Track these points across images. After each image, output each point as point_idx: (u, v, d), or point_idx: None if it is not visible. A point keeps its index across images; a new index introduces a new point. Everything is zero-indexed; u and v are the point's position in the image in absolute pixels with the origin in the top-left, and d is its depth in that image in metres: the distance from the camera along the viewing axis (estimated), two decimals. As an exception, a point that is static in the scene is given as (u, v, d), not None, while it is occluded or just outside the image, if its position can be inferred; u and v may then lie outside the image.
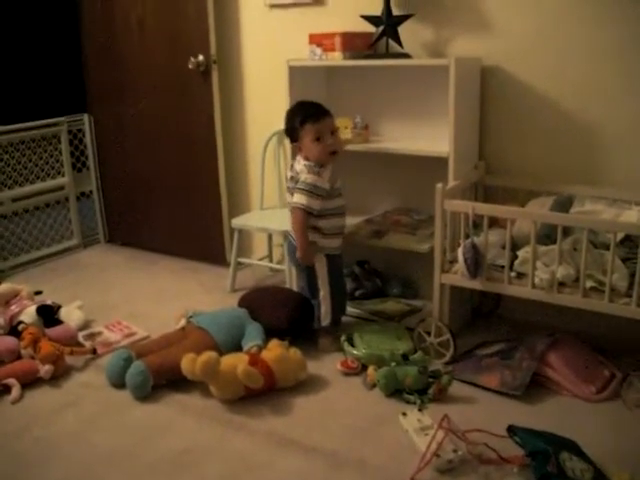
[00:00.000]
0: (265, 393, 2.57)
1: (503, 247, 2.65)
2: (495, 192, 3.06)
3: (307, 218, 2.83)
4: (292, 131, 2.90)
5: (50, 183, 4.32)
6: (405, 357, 2.65)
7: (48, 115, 4.27)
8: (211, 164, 3.87)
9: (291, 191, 2.89)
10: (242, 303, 3.12)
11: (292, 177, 2.90)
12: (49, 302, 3.21)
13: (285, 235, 3.21)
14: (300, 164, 2.87)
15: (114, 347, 2.98)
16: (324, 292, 2.94)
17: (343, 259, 3.06)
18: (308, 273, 2.97)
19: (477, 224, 2.69)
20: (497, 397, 2.52)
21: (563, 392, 2.53)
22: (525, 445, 2.11)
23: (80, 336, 3.08)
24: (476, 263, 2.60)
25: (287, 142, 3.26)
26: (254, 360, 2.58)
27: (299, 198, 2.80)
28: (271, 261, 3.88)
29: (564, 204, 2.73)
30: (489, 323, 3.13)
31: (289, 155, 3.27)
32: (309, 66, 3.23)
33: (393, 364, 2.59)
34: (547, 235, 2.61)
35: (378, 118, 3.30)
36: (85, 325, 3.22)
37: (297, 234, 2.86)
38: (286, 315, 2.97)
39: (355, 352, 2.78)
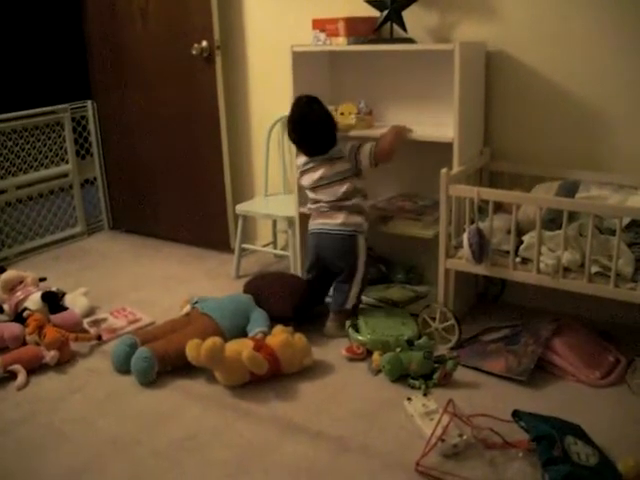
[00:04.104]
0: (270, 379, 2.58)
1: (508, 232, 2.65)
2: (500, 177, 3.05)
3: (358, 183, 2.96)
4: (333, 119, 2.97)
5: (54, 170, 4.32)
6: (410, 342, 2.65)
7: (51, 102, 4.26)
8: (215, 150, 3.86)
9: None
10: (247, 289, 3.12)
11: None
12: (54, 289, 3.22)
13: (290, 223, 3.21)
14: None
15: (119, 333, 2.99)
16: (361, 274, 2.93)
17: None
18: (348, 264, 2.93)
19: (482, 209, 2.69)
20: (502, 382, 2.52)
21: (568, 377, 2.53)
22: (530, 430, 2.11)
23: (85, 322, 3.08)
24: (481, 248, 2.60)
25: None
26: (259, 346, 2.58)
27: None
28: (275, 247, 3.88)
29: (570, 189, 2.72)
30: (494, 308, 3.13)
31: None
32: (313, 51, 3.20)
33: (398, 349, 2.59)
34: (552, 220, 2.60)
35: (382, 103, 3.28)
36: (90, 311, 3.23)
37: (392, 144, 2.93)
38: (291, 303, 2.97)
39: (360, 338, 2.79)
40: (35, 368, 2.72)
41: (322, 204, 2.95)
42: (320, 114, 2.92)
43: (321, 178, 2.91)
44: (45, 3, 5.48)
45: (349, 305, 2.95)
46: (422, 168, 3.18)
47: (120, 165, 4.41)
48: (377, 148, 2.90)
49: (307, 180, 2.97)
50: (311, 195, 3.00)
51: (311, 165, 2.94)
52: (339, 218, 2.90)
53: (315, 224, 2.99)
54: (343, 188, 2.89)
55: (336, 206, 2.91)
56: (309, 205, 3.04)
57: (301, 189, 3.13)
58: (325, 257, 2.98)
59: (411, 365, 2.54)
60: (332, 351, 2.81)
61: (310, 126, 2.91)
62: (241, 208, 3.62)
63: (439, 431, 2.12)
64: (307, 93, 2.99)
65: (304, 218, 3.20)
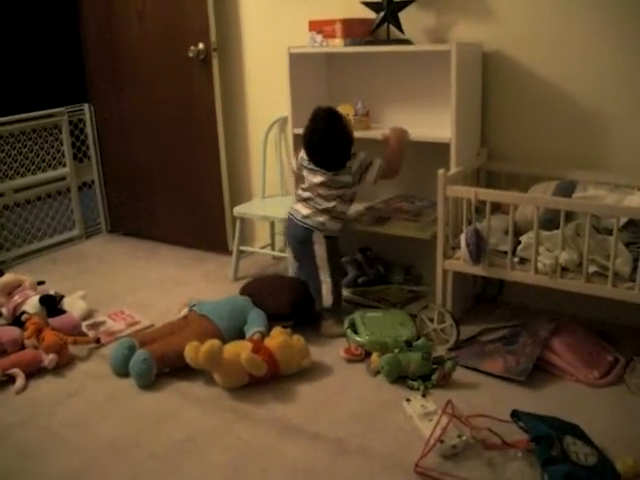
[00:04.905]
0: (269, 381, 2.57)
1: (506, 233, 2.65)
2: (498, 178, 3.05)
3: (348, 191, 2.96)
4: (350, 140, 2.92)
5: (51, 174, 4.32)
6: (408, 343, 2.65)
7: (49, 105, 4.26)
8: (212, 153, 3.86)
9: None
10: (244, 291, 3.12)
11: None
12: (52, 292, 3.21)
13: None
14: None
15: (117, 336, 2.99)
16: (324, 272, 2.96)
17: (343, 245, 3.08)
18: (308, 254, 2.98)
19: (479, 210, 2.69)
20: (501, 382, 2.52)
21: (566, 377, 2.53)
22: (529, 430, 2.11)
23: (83, 326, 3.08)
24: (479, 249, 2.60)
25: (289, 130, 3.25)
26: (257, 348, 2.58)
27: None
28: (273, 249, 3.88)
29: (567, 189, 2.72)
30: (492, 309, 3.12)
31: (290, 143, 3.26)
32: (310, 53, 3.21)
33: (396, 350, 2.59)
34: (550, 220, 2.60)
35: (379, 104, 3.29)
36: (88, 315, 3.23)
37: (400, 151, 2.96)
38: (288, 299, 2.97)
39: (358, 339, 2.78)
40: (33, 372, 2.72)
41: (305, 193, 3.00)
42: (337, 138, 2.87)
43: (320, 183, 2.91)
44: (41, 6, 5.48)
45: (327, 303, 2.99)
46: (419, 169, 3.18)
47: (117, 168, 4.40)
48: (386, 164, 2.92)
49: (306, 176, 2.99)
50: (302, 185, 3.04)
51: (314, 168, 2.94)
52: (305, 211, 2.96)
53: (291, 208, 3.06)
54: (329, 192, 2.91)
55: (311, 200, 2.96)
56: (299, 191, 3.08)
57: (298, 180, 3.14)
58: (290, 242, 3.13)
59: (410, 366, 2.54)
60: (330, 352, 2.81)
61: (325, 150, 2.88)
62: (239, 210, 3.62)
63: (438, 432, 2.12)
64: (329, 105, 2.96)
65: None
